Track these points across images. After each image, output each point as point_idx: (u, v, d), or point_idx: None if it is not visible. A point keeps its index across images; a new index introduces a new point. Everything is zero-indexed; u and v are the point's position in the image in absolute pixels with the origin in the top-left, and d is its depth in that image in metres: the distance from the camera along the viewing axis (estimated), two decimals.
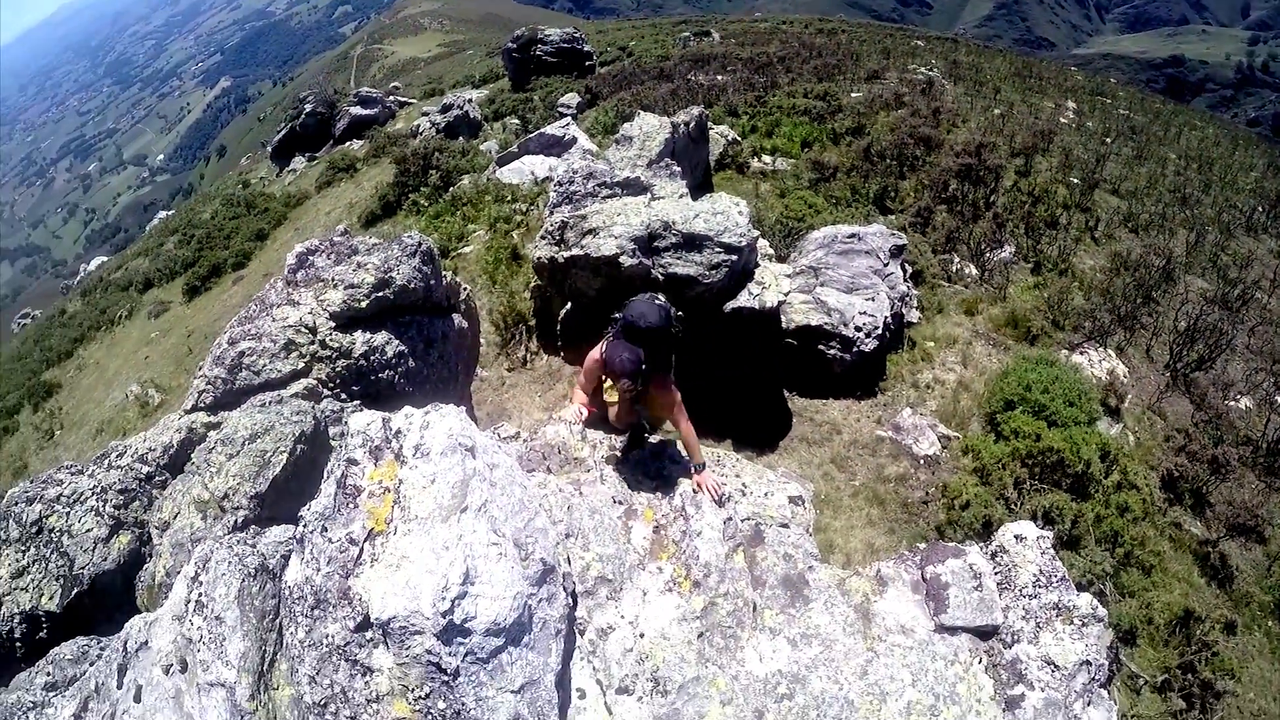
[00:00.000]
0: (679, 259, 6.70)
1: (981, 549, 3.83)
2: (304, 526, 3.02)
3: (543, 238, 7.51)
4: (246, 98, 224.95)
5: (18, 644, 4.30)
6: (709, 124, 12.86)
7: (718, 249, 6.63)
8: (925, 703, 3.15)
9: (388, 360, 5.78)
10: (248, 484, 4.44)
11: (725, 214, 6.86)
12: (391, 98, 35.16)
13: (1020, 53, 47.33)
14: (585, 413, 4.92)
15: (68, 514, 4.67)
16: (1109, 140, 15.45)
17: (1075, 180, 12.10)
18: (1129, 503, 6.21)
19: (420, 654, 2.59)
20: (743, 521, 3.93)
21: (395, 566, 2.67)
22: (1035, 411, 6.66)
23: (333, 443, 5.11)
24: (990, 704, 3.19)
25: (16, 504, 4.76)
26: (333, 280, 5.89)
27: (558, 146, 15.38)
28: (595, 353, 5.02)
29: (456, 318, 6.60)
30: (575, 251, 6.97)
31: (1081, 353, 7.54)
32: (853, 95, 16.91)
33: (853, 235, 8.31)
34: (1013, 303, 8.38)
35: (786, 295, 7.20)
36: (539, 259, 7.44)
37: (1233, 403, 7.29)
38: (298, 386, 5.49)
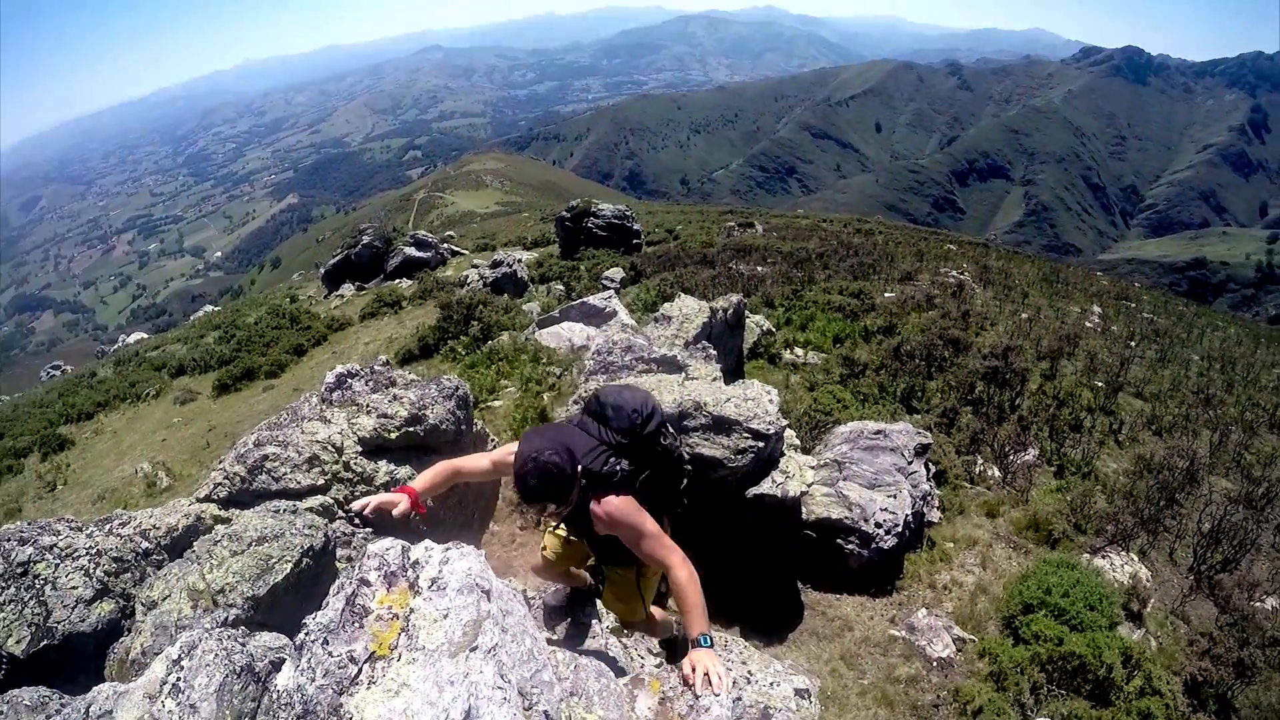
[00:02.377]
0: (707, 440, 6.74)
1: None
2: (305, 634, 3.02)
3: (575, 403, 7.58)
4: (309, 217, 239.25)
5: None
6: (746, 312, 13.16)
7: (746, 434, 6.69)
8: None
9: None
10: (246, 584, 4.44)
11: (756, 400, 6.98)
12: (445, 245, 36.57)
13: (1049, 258, 48.74)
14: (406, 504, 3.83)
15: (57, 566, 4.65)
16: (1133, 344, 15.70)
17: (1100, 384, 12.28)
18: (1151, 709, 5.96)
19: None
20: (749, 707, 3.85)
21: (394, 693, 2.64)
22: (1055, 615, 6.50)
23: (338, 565, 5.09)
24: None
25: (8, 540, 4.76)
26: (367, 406, 6.03)
27: (598, 317, 15.70)
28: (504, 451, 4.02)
29: None
30: None
31: (1104, 556, 7.44)
32: (886, 295, 17.35)
33: (879, 431, 8.39)
34: (1035, 506, 8.32)
35: (809, 487, 7.22)
36: (566, 421, 7.50)
37: (1259, 603, 7.06)
38: (313, 501, 5.52)
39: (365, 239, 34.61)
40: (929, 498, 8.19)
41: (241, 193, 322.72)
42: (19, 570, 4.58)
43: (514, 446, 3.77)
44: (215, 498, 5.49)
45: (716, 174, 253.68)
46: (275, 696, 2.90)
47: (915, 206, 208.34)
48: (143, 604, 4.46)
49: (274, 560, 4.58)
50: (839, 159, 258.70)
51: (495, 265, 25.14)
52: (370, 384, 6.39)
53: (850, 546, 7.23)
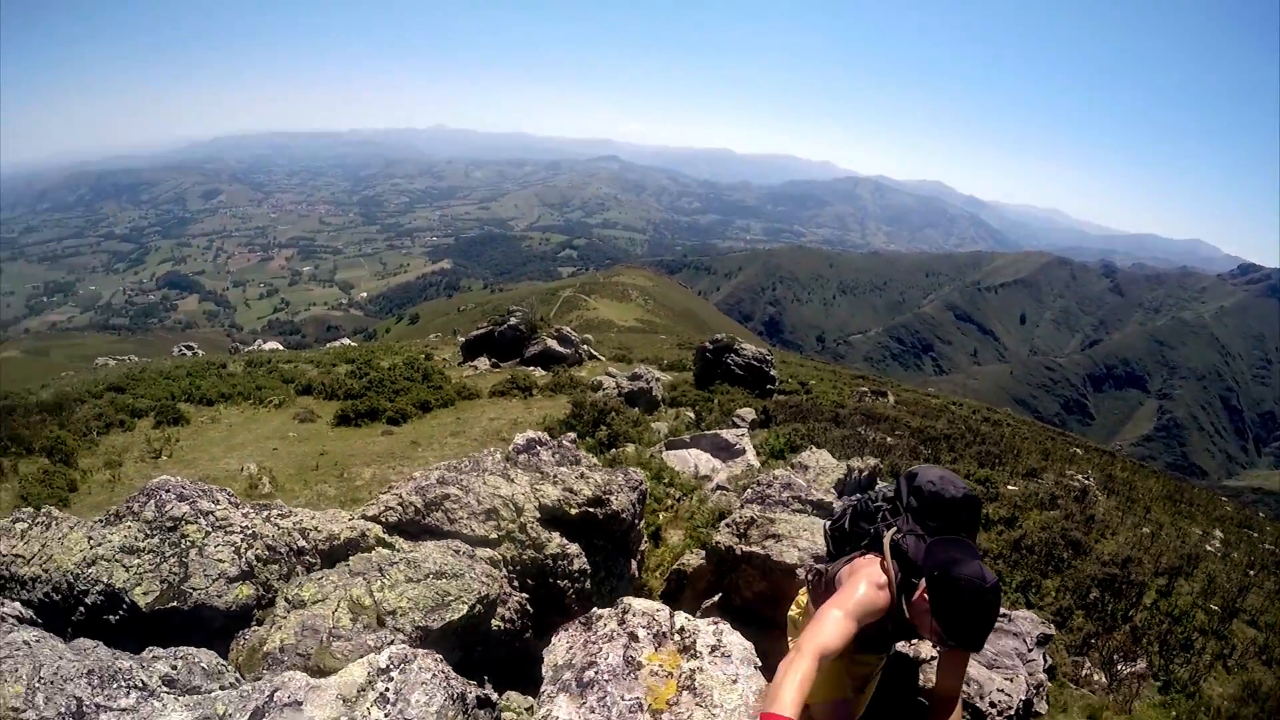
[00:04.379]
0: None
1: None
2: (594, 674, 3.10)
3: (726, 526, 7.87)
4: (456, 285, 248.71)
5: (81, 610, 4.21)
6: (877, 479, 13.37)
7: None
8: None
9: (571, 571, 5.86)
10: (419, 613, 4.33)
11: None
12: (584, 346, 37.23)
13: (1173, 476, 46.88)
14: None
15: (208, 534, 4.59)
16: (1253, 572, 15.27)
17: (1215, 607, 12.10)
18: None
19: None
20: None
21: None
22: None
23: (494, 623, 5.03)
24: None
25: (167, 490, 4.74)
26: (554, 476, 6.18)
27: (727, 451, 15.84)
28: (868, 576, 3.33)
29: (633, 563, 6.95)
30: (755, 549, 7.31)
31: None
32: (1009, 487, 17.35)
33: (1004, 615, 8.56)
34: (1137, 717, 8.39)
35: (935, 652, 7.46)
36: (717, 543, 7.69)
37: None
38: (483, 553, 5.44)
39: (513, 319, 35.60)
40: (1041, 689, 8.32)
41: (401, 245, 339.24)
42: (169, 524, 4.60)
43: (860, 587, 3.28)
44: (383, 520, 5.48)
45: (854, 337, 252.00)
46: None
47: (1045, 404, 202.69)
48: (287, 600, 4.40)
49: (450, 598, 4.54)
50: (977, 344, 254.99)
51: (634, 378, 25.77)
52: (556, 456, 6.66)
53: None
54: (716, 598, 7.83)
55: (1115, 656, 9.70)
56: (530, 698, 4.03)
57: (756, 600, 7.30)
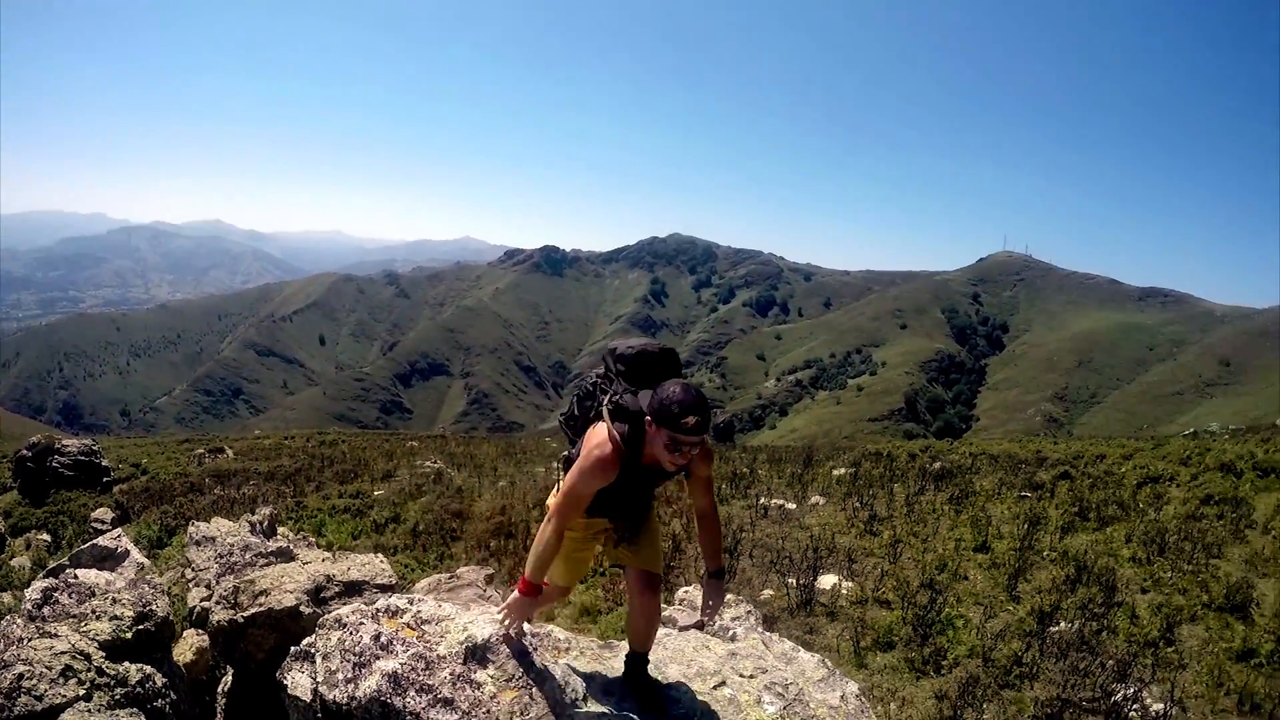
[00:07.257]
0: (345, 602, 8.00)
1: None
2: (378, 645, 4.37)
3: (218, 603, 7.85)
4: None
5: None
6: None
7: (375, 590, 7.89)
8: None
9: (158, 689, 5.81)
10: None
11: (371, 564, 8.44)
12: None
13: (499, 437, 54.23)
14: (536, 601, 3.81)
15: None
16: None
17: None
18: None
19: None
20: None
21: None
22: None
23: None
24: None
25: None
26: (93, 612, 6.01)
27: (111, 560, 15.19)
28: (590, 440, 3.78)
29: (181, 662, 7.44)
30: (254, 610, 7.41)
31: None
32: (377, 492, 19.51)
33: (453, 576, 10.56)
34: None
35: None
36: (217, 623, 7.58)
37: None
38: (81, 706, 5.03)
39: None
40: None
41: None
42: None
43: (589, 453, 3.73)
44: None
45: (160, 401, 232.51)
46: None
47: (364, 413, 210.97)
48: None
49: None
50: (285, 375, 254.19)
51: None
52: (75, 596, 6.21)
53: None
54: (230, 672, 7.66)
55: None
56: None
57: (274, 652, 7.14)
